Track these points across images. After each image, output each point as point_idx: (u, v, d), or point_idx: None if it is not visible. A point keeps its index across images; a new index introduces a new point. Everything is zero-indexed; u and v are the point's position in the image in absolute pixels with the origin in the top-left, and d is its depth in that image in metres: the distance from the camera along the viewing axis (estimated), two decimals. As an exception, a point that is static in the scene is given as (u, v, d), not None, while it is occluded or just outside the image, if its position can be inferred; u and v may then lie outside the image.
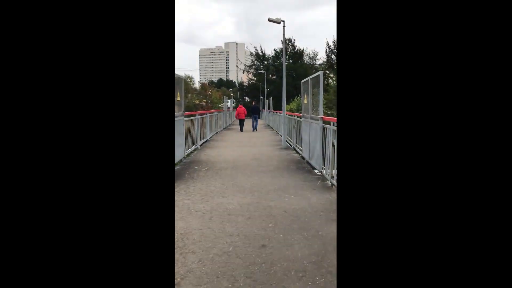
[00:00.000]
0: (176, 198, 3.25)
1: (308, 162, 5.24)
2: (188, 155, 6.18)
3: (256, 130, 12.83)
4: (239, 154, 6.37)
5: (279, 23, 7.59)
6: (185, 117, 5.92)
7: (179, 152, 5.33)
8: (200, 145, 7.54)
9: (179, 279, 1.71)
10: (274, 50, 30.47)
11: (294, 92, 25.12)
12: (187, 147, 6.24)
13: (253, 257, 1.97)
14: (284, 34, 7.89)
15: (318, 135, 4.45)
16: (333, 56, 22.95)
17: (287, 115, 9.86)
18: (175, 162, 5.08)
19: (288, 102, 21.74)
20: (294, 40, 30.34)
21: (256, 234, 2.34)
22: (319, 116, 4.39)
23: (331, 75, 21.45)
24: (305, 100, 5.50)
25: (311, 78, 4.96)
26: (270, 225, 2.52)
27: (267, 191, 3.56)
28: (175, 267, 1.84)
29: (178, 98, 5.26)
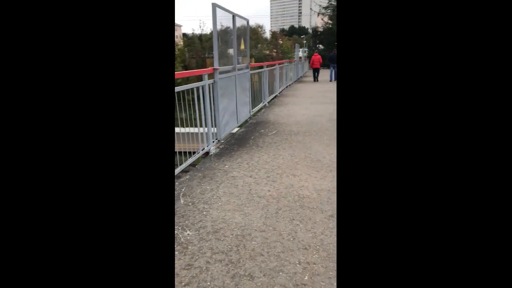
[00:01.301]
0: (236, 174, 2.64)
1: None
2: (254, 114, 5.51)
3: (335, 80, 11.99)
4: (314, 113, 5.39)
5: None
6: (251, 70, 5.11)
7: (245, 111, 4.67)
8: (269, 102, 6.76)
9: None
10: (357, -16, 25.52)
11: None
12: (253, 104, 5.54)
13: (343, 306, 1.21)
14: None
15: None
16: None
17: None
18: (241, 123, 4.47)
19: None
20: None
21: (344, 251, 1.55)
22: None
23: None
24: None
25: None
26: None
27: (353, 170, 2.64)
28: (223, 302, 1.22)
29: (242, 47, 4.42)
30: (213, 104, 3.37)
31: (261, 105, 6.16)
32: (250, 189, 2.32)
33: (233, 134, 4.11)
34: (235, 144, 3.62)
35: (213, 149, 3.34)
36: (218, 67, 3.36)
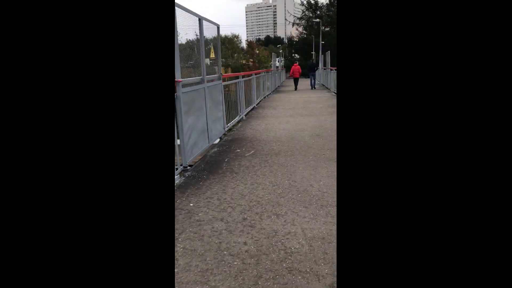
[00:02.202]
0: (203, 216, 2.05)
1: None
2: (230, 129, 4.95)
3: (315, 88, 12.72)
4: (294, 127, 4.92)
5: None
6: (224, 81, 4.58)
7: (218, 128, 4.10)
8: (245, 115, 6.25)
9: None
10: (329, -4, 26.26)
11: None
12: (229, 119, 4.99)
13: None
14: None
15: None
16: None
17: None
18: (213, 141, 3.89)
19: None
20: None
21: None
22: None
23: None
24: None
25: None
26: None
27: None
28: None
29: (213, 55, 3.89)
30: (176, 123, 2.78)
31: (237, 118, 5.62)
32: (220, 242, 1.73)
33: (204, 156, 3.52)
34: (205, 169, 3.03)
35: (177, 179, 2.73)
36: (181, 79, 2.78)
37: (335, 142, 3.85)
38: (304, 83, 14.08)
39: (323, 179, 2.61)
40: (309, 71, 13.27)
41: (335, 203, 2.15)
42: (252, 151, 3.60)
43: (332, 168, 2.87)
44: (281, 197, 2.30)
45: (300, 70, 13.08)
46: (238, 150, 3.68)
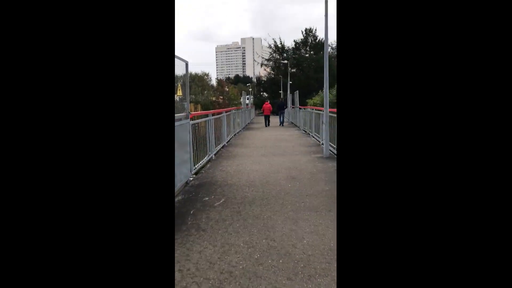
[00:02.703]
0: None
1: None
2: (198, 171, 4.50)
3: (283, 125, 13.39)
4: (268, 168, 4.61)
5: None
6: (192, 119, 4.23)
7: (183, 172, 3.65)
8: (215, 154, 5.86)
9: None
10: (294, 41, 28.25)
11: (316, 85, 22.85)
12: (197, 160, 4.56)
13: None
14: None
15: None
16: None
17: (315, 111, 8.29)
18: (178, 188, 3.41)
19: (310, 97, 19.61)
20: (315, 30, 28.06)
21: None
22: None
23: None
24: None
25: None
26: None
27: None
28: None
29: (180, 93, 3.57)
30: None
31: (206, 158, 5.21)
32: None
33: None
34: (166, 226, 2.52)
35: (129, 241, 2.19)
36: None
37: (313, 187, 3.57)
38: (274, 120, 14.31)
39: (307, 236, 2.25)
40: (278, 109, 14.03)
41: (323, 271, 1.78)
42: (223, 199, 3.17)
43: (314, 221, 2.53)
44: (259, 265, 1.88)
45: (271, 108, 14.07)
46: (207, 198, 3.23)
